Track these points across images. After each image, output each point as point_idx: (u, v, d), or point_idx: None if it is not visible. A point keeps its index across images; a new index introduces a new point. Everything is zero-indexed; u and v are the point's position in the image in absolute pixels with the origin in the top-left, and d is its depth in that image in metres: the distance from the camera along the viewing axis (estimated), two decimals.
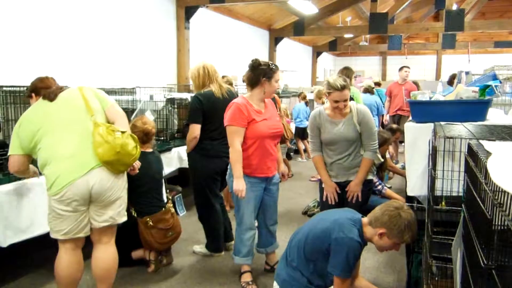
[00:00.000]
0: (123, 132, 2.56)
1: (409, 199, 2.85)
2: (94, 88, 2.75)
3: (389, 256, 3.87)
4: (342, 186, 3.16)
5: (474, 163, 1.17)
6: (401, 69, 7.91)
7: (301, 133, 7.81)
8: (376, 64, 16.77)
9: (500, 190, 0.86)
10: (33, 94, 2.75)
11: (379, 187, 4.10)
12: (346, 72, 5.36)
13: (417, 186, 2.56)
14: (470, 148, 1.36)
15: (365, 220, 2.25)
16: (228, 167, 3.11)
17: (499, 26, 9.46)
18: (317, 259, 2.21)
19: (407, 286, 2.96)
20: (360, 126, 3.04)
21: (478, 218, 1.00)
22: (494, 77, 3.01)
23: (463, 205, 1.57)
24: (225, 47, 8.49)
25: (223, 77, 4.34)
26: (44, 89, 2.65)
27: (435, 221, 2.41)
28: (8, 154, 2.63)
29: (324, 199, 3.12)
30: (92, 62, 5.18)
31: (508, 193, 0.80)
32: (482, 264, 0.81)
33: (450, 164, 2.23)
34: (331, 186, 3.11)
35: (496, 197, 0.85)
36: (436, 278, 2.43)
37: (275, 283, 2.39)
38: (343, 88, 2.98)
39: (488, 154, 1.13)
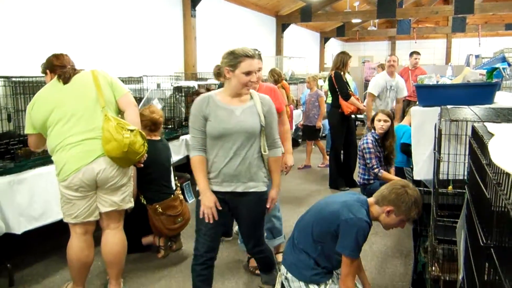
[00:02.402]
0: (132, 131, 2.60)
1: (416, 183, 2.85)
2: (109, 76, 2.76)
3: (397, 241, 3.90)
4: (225, 198, 2.43)
5: (478, 145, 1.17)
6: (411, 55, 7.83)
7: None
8: (385, 49, 16.56)
9: (501, 171, 0.87)
10: (48, 71, 2.77)
11: (376, 170, 4.11)
12: (342, 56, 5.35)
13: (423, 170, 2.56)
14: (474, 130, 1.36)
15: (371, 200, 2.29)
16: None
17: (510, 8, 9.28)
18: (325, 241, 2.23)
19: (414, 270, 2.98)
20: (265, 118, 2.41)
21: (479, 199, 1.01)
22: (503, 60, 2.97)
23: (466, 187, 1.58)
24: (232, 35, 8.46)
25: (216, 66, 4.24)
26: (59, 67, 2.68)
27: (442, 205, 2.43)
28: (25, 132, 2.77)
29: (200, 215, 2.38)
30: (98, 51, 5.19)
31: (508, 174, 0.81)
32: (481, 243, 0.83)
33: (457, 148, 2.23)
34: (210, 200, 2.34)
35: (497, 178, 0.86)
36: (441, 261, 2.45)
37: (282, 267, 2.42)
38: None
39: (492, 136, 1.13)
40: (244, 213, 2.49)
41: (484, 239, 0.84)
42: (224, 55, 2.35)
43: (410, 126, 4.74)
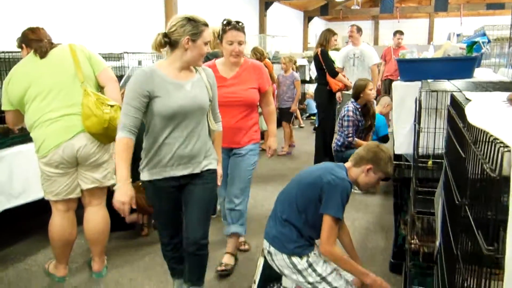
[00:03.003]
0: (112, 106, 2.55)
1: (397, 158, 2.89)
2: (86, 49, 2.70)
3: (379, 216, 3.97)
4: (180, 182, 2.24)
5: (455, 111, 1.19)
6: (394, 34, 7.88)
7: None
8: (368, 29, 16.52)
9: (476, 132, 0.88)
10: (23, 45, 2.69)
11: (350, 138, 4.35)
12: (325, 33, 5.34)
13: (404, 145, 2.60)
14: (452, 98, 1.37)
15: (347, 164, 2.36)
16: None
17: None
18: (308, 208, 2.26)
19: (395, 243, 3.04)
20: (212, 91, 2.28)
21: (455, 162, 1.02)
22: (483, 35, 3.00)
23: (443, 155, 1.60)
24: (214, 12, 8.33)
25: None
26: (35, 41, 2.60)
27: (422, 179, 2.47)
28: (1, 109, 2.70)
29: (116, 206, 2.08)
30: (77, 26, 5.06)
31: (482, 133, 0.82)
32: (456, 201, 0.84)
33: (436, 122, 2.26)
34: (128, 195, 2.08)
35: (472, 138, 0.87)
36: (420, 233, 2.51)
37: (265, 241, 2.43)
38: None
39: (469, 101, 1.15)
40: (199, 195, 2.26)
41: (459, 198, 0.86)
42: (179, 23, 2.08)
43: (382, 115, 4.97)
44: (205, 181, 2.27)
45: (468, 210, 0.79)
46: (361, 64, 6.03)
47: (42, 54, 2.57)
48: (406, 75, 2.60)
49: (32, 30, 2.66)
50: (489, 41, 3.27)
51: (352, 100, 4.51)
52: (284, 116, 6.58)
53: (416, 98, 2.25)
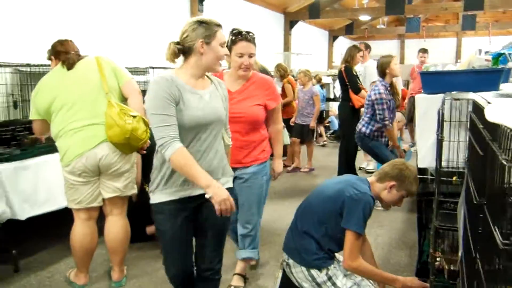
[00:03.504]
0: (134, 117, 2.60)
1: (421, 172, 2.83)
2: (112, 62, 2.78)
3: (401, 233, 3.87)
4: (196, 203, 2.03)
5: (476, 115, 1.16)
6: (418, 52, 7.82)
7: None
8: (394, 48, 16.45)
9: (496, 129, 0.86)
10: (53, 57, 2.79)
11: (386, 122, 4.07)
12: (351, 49, 5.29)
13: (427, 158, 2.54)
14: (474, 104, 1.34)
15: (371, 178, 2.33)
16: None
17: None
18: (329, 221, 2.23)
19: (418, 259, 2.95)
20: (224, 102, 2.11)
21: (475, 164, 0.99)
22: (510, 48, 2.93)
23: (465, 164, 1.56)
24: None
25: None
26: (63, 53, 2.69)
27: (445, 193, 2.41)
28: (29, 118, 2.80)
29: (218, 212, 1.85)
30: (105, 40, 5.21)
31: (502, 131, 0.79)
32: (474, 201, 0.81)
33: (461, 135, 2.21)
34: (225, 191, 1.86)
35: (490, 136, 0.85)
36: (446, 250, 2.43)
37: (284, 254, 2.41)
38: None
39: (490, 104, 1.11)
40: (215, 220, 2.00)
41: (477, 198, 0.83)
42: (191, 27, 1.93)
43: None
44: None
45: (486, 210, 0.76)
46: (362, 81, 5.71)
47: (69, 65, 2.65)
48: (429, 87, 2.55)
49: (61, 43, 2.76)
50: None
51: (380, 79, 4.23)
52: (300, 134, 6.26)
53: (439, 110, 2.21)
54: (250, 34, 2.53)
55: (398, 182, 2.24)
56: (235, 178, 2.49)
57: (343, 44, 16.03)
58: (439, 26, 14.90)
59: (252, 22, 9.09)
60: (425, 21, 15.13)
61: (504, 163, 0.61)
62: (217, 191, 1.81)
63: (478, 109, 1.21)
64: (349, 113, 5.30)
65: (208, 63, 1.96)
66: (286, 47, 10.62)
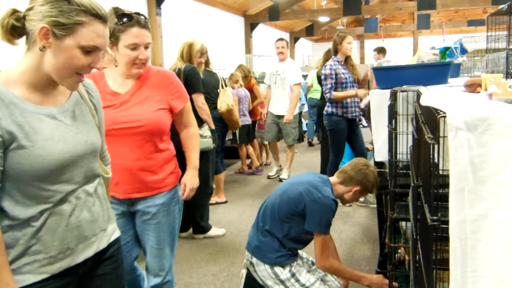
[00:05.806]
0: None
1: (380, 165, 2.89)
2: None
3: (365, 227, 3.95)
4: (79, 272, 1.34)
5: (418, 104, 1.20)
6: (373, 52, 8.06)
7: None
8: (354, 48, 16.80)
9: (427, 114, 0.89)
10: None
11: (328, 94, 4.16)
12: (325, 54, 5.15)
13: (382, 151, 2.59)
14: (418, 94, 1.39)
15: (334, 179, 2.35)
16: None
17: (470, 3, 9.56)
18: (291, 221, 2.25)
19: (380, 252, 3.01)
20: (98, 116, 1.42)
21: (414, 149, 1.03)
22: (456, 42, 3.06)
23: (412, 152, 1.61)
24: (200, 34, 8.42)
25: None
26: None
27: (403, 185, 2.47)
28: None
29: None
30: None
31: (433, 115, 0.82)
32: (412, 183, 0.84)
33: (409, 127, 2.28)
34: None
35: (424, 120, 0.88)
36: (404, 242, 2.50)
37: (246, 252, 2.40)
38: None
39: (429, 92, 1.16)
40: (110, 279, 1.43)
41: (415, 180, 0.86)
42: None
43: None
44: (114, 264, 1.44)
45: (421, 190, 0.79)
46: (281, 83, 5.37)
47: None
48: (382, 82, 2.62)
49: None
50: (465, 51, 3.34)
51: (333, 56, 4.34)
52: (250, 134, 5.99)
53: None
54: (142, 17, 1.86)
55: (362, 187, 2.32)
56: (136, 213, 2.00)
57: (304, 45, 16.26)
58: (395, 26, 15.34)
59: (213, 25, 9.08)
60: (382, 22, 15.56)
61: (429, 141, 0.63)
62: None
63: (419, 98, 1.25)
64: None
65: (55, 70, 1.18)
66: (248, 50, 10.66)
